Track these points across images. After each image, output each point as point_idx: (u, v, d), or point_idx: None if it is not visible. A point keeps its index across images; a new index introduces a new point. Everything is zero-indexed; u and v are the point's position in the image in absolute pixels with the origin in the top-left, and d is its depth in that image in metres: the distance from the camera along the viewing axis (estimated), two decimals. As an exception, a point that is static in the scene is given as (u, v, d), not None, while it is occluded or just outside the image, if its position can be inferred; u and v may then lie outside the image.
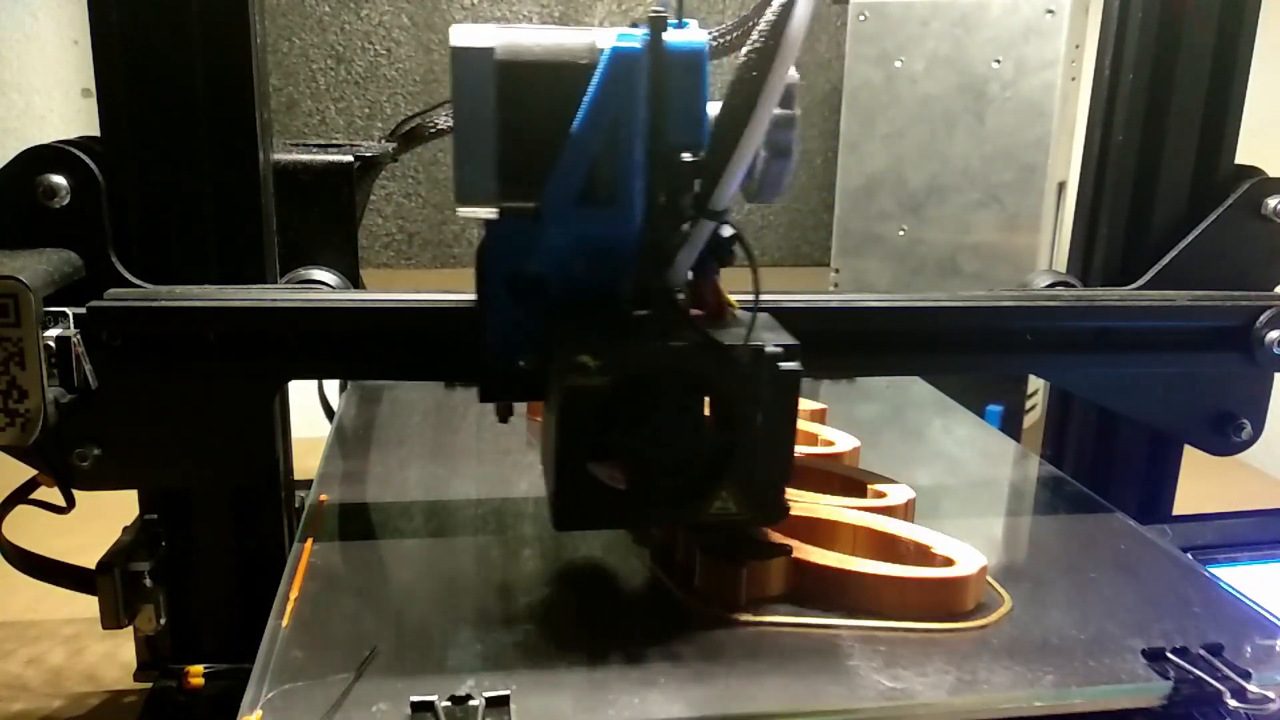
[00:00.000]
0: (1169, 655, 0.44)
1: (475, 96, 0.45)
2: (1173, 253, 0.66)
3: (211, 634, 0.63)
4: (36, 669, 0.79)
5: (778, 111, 0.44)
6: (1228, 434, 0.67)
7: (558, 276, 0.48)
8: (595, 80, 0.45)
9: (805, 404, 0.71)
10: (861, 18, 1.25)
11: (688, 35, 0.45)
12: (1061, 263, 0.81)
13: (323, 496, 0.59)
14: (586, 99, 0.45)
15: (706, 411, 0.46)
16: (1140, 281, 0.66)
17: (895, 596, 0.47)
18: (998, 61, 1.19)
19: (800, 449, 0.61)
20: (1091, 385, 0.67)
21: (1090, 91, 0.71)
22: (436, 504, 0.60)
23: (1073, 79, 1.21)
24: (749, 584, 0.48)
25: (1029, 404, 1.29)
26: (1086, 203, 0.72)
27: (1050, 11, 1.16)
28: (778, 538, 0.50)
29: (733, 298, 0.49)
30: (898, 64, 1.24)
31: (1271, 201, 0.65)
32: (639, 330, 0.46)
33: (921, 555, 0.50)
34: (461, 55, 0.45)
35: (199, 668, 0.62)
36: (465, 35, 0.45)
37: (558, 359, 0.44)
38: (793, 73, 0.43)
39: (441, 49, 1.35)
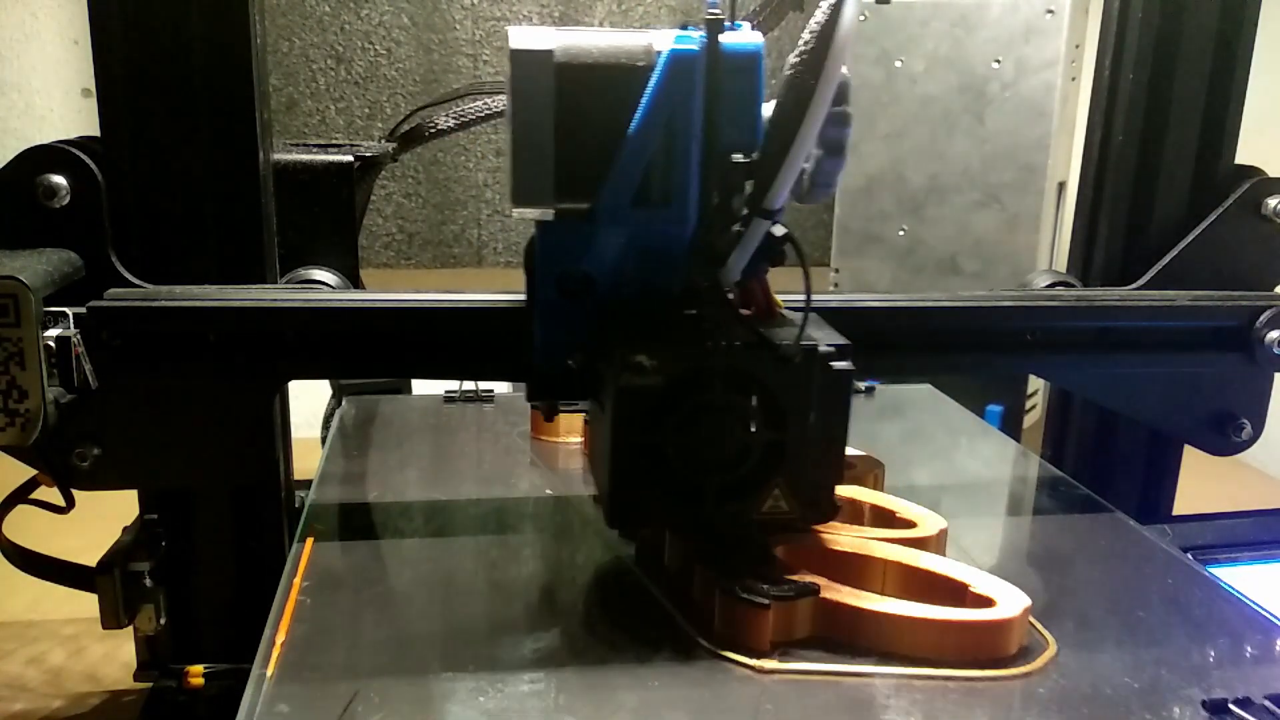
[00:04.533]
0: (1232, 707, 0.41)
1: (533, 98, 0.45)
2: (1173, 253, 0.66)
3: (211, 634, 0.63)
4: (36, 669, 0.79)
5: (830, 110, 0.44)
6: (1228, 434, 0.67)
7: (609, 276, 0.48)
8: (652, 82, 0.45)
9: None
10: (861, 18, 1.25)
11: (743, 37, 0.46)
12: (1061, 263, 0.81)
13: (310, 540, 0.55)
14: (644, 101, 0.45)
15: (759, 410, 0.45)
16: (1140, 281, 0.66)
17: (933, 640, 0.44)
18: (998, 61, 1.19)
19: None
20: (1091, 385, 0.67)
21: (1090, 91, 0.71)
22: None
23: (1073, 79, 1.21)
24: (774, 627, 0.44)
25: (1029, 404, 1.29)
26: (1086, 203, 0.72)
27: (1050, 11, 1.16)
28: (804, 575, 0.46)
29: (779, 297, 0.49)
30: (898, 64, 1.24)
31: (1271, 201, 0.65)
32: (692, 330, 0.46)
33: (959, 594, 0.47)
34: (520, 58, 0.45)
35: (199, 668, 0.62)
36: (524, 38, 0.45)
37: (612, 359, 0.44)
38: (845, 71, 0.43)
39: (441, 49, 1.35)
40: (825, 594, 0.45)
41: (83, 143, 0.55)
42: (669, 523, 0.49)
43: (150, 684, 0.64)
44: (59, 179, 0.53)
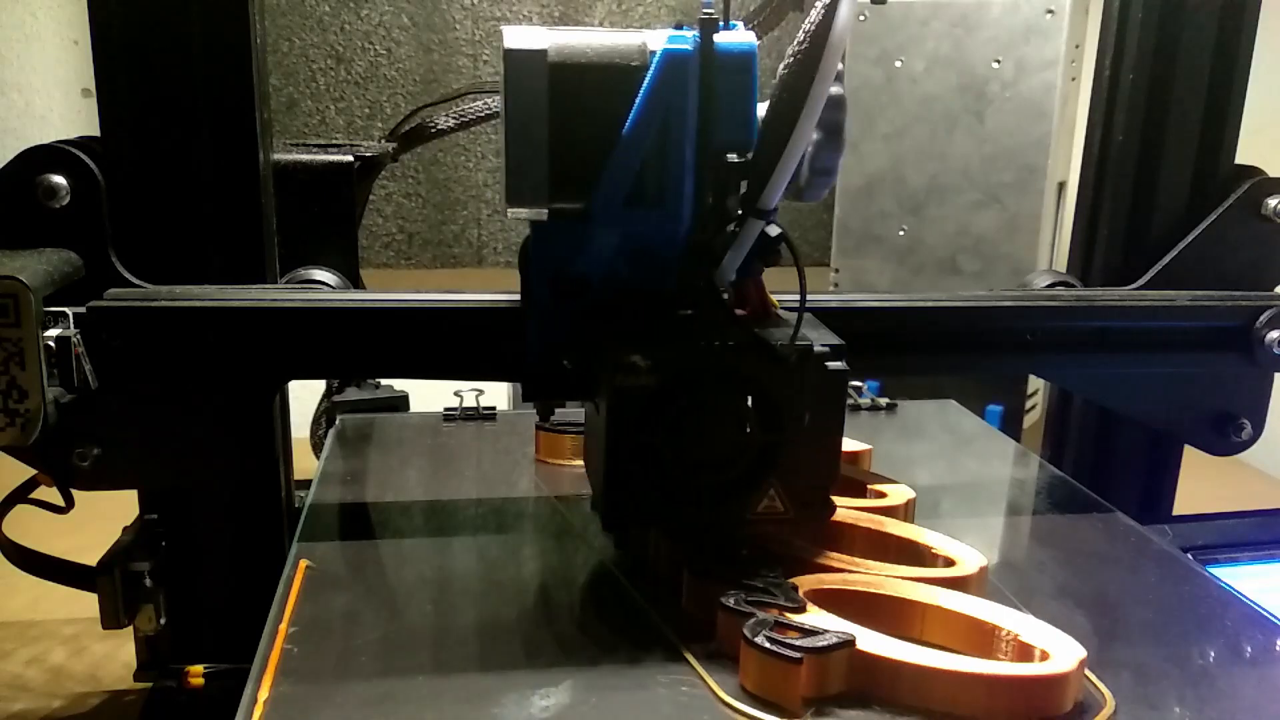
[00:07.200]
0: None
1: (527, 99, 0.45)
2: (1173, 253, 0.66)
3: (211, 634, 0.63)
4: (36, 669, 0.79)
5: (824, 121, 0.43)
6: (1228, 434, 0.67)
7: (604, 277, 0.48)
8: (646, 82, 0.45)
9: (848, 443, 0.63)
10: (861, 18, 1.25)
11: (737, 37, 0.46)
12: (1061, 263, 0.81)
13: (303, 562, 0.52)
14: (638, 101, 0.45)
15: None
16: (1140, 281, 0.66)
17: (981, 697, 0.40)
18: (998, 61, 1.19)
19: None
20: (1091, 385, 0.67)
21: (1090, 91, 0.71)
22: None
23: (1073, 79, 1.21)
24: (807, 681, 0.40)
25: (1029, 404, 1.29)
26: (1086, 203, 0.72)
27: (1050, 11, 1.16)
28: (838, 623, 0.42)
29: (774, 298, 0.49)
30: (898, 64, 1.24)
31: (1271, 201, 0.65)
32: (687, 330, 0.46)
33: (1008, 643, 0.43)
34: (514, 57, 0.45)
35: (199, 668, 0.62)
36: (518, 37, 0.45)
37: (606, 359, 0.44)
38: (839, 88, 0.43)
39: (441, 49, 1.35)
40: (861, 645, 0.41)
41: (83, 143, 0.55)
42: (663, 523, 0.49)
43: (150, 684, 0.64)
44: (59, 179, 0.53)
